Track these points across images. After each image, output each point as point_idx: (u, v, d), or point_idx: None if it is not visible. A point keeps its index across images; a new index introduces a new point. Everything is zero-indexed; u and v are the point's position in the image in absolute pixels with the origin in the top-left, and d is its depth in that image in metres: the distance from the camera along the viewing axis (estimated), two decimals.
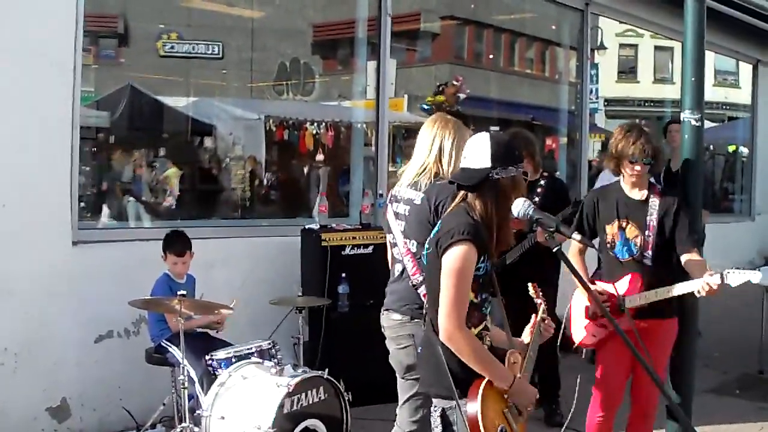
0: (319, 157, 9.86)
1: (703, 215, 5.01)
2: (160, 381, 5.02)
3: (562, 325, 4.25)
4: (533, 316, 3.17)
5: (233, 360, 4.52)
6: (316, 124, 10.42)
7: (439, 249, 2.89)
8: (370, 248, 5.96)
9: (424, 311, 3.27)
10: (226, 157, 10.79)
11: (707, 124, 5.84)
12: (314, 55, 11.46)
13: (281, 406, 4.13)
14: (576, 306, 4.28)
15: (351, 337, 5.64)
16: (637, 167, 4.03)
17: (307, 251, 6.09)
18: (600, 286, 4.13)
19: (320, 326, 5.77)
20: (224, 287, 5.54)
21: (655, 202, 4.04)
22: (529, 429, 3.10)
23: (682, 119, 4.43)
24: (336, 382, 4.46)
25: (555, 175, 6.92)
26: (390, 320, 3.79)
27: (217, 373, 4.48)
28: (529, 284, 3.27)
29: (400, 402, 3.81)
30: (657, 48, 27.57)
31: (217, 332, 5.12)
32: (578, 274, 3.13)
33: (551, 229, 2.95)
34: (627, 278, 4.02)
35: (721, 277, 3.69)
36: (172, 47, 10.00)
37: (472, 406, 2.80)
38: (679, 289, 3.87)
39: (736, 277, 3.70)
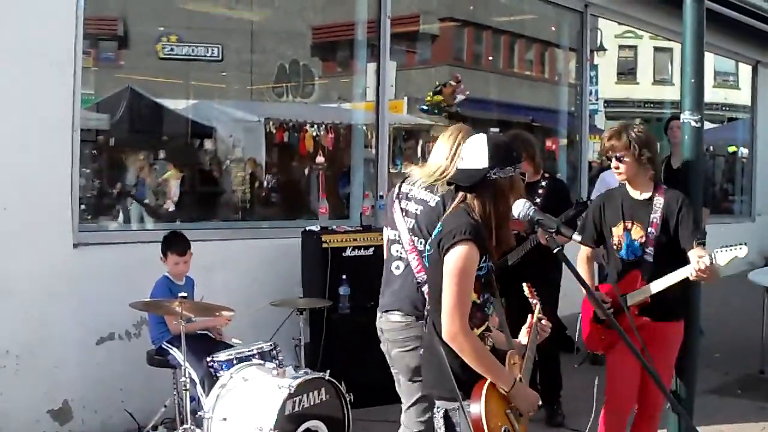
0: (319, 159, 9.86)
1: (704, 214, 5.01)
2: (161, 383, 5.02)
3: (576, 330, 4.25)
4: (529, 316, 3.17)
5: (234, 362, 4.52)
6: (316, 126, 10.43)
7: (441, 249, 2.89)
8: (371, 250, 5.97)
9: (426, 312, 3.27)
10: (226, 159, 10.79)
11: (707, 125, 5.83)
12: (314, 57, 11.47)
13: (283, 407, 4.13)
14: (584, 310, 4.27)
15: (352, 338, 5.63)
16: (614, 163, 4.05)
17: (308, 253, 6.10)
18: (602, 290, 4.14)
19: (321, 328, 5.77)
20: (224, 290, 5.54)
21: (659, 201, 4.03)
22: (531, 430, 3.10)
23: (681, 120, 4.44)
24: (337, 384, 4.47)
25: (556, 176, 6.92)
26: (391, 322, 3.74)
27: (218, 375, 4.48)
28: (524, 284, 3.27)
29: (406, 405, 3.78)
30: (656, 49, 27.62)
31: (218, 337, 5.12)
32: (579, 276, 3.12)
33: (551, 230, 2.95)
34: (627, 277, 4.02)
35: (710, 258, 3.70)
36: (172, 50, 10.00)
37: (476, 407, 2.80)
38: (673, 277, 3.87)
39: (724, 256, 3.74)
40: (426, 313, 3.27)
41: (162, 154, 10.07)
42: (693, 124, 4.34)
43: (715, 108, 20.25)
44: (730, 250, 3.75)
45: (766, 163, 13.79)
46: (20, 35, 4.88)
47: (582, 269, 4.17)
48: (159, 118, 10.01)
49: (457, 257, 2.85)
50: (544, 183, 5.46)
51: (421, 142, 12.06)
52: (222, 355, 4.57)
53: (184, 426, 4.46)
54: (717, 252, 3.74)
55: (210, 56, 10.43)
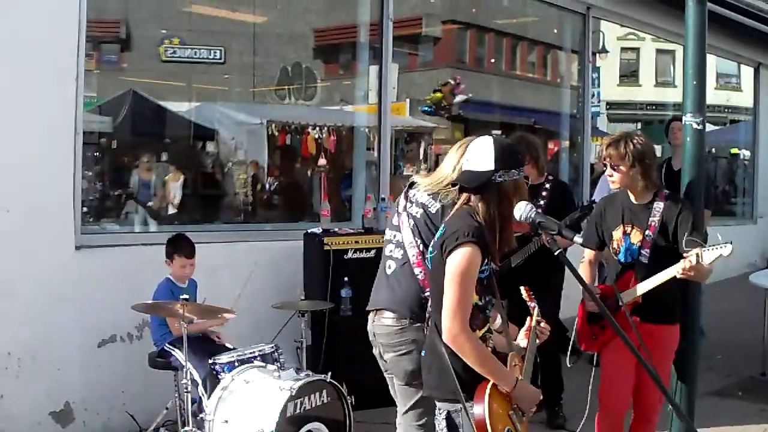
0: (321, 161, 9.88)
1: (705, 216, 5.01)
2: (163, 385, 5.02)
3: (573, 331, 4.26)
4: (528, 319, 3.18)
5: (236, 364, 4.52)
6: (318, 128, 10.45)
7: (444, 251, 2.90)
8: (373, 252, 5.96)
9: (427, 314, 3.27)
10: (229, 161, 10.82)
11: (709, 127, 5.84)
12: (316, 59, 11.50)
13: (284, 409, 4.13)
14: (581, 312, 4.28)
15: (353, 340, 5.58)
16: (608, 171, 4.08)
17: (310, 255, 6.10)
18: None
19: (323, 330, 5.77)
20: (227, 291, 5.53)
21: (659, 205, 4.04)
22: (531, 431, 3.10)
23: (683, 122, 4.43)
24: (339, 386, 4.47)
25: (559, 179, 6.92)
26: (384, 326, 3.70)
27: (220, 377, 4.48)
28: (522, 288, 3.28)
29: (403, 409, 3.76)
30: (658, 51, 27.63)
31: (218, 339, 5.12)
32: (579, 276, 3.13)
33: (553, 233, 2.96)
34: (622, 278, 4.04)
35: (697, 257, 3.71)
36: (174, 52, 10.04)
37: (479, 409, 2.80)
38: (661, 276, 3.89)
39: (709, 255, 3.75)
40: (427, 314, 3.27)
41: (164, 157, 10.10)
42: (695, 126, 4.33)
43: (717, 110, 20.27)
44: (715, 248, 3.76)
45: None
46: (23, 38, 4.88)
47: (584, 271, 4.18)
48: (161, 120, 10.04)
49: (459, 259, 2.85)
50: (547, 185, 5.46)
51: (423, 145, 12.10)
52: (223, 358, 4.57)
53: (186, 428, 4.46)
54: (704, 251, 3.75)
55: (212, 59, 10.47)
